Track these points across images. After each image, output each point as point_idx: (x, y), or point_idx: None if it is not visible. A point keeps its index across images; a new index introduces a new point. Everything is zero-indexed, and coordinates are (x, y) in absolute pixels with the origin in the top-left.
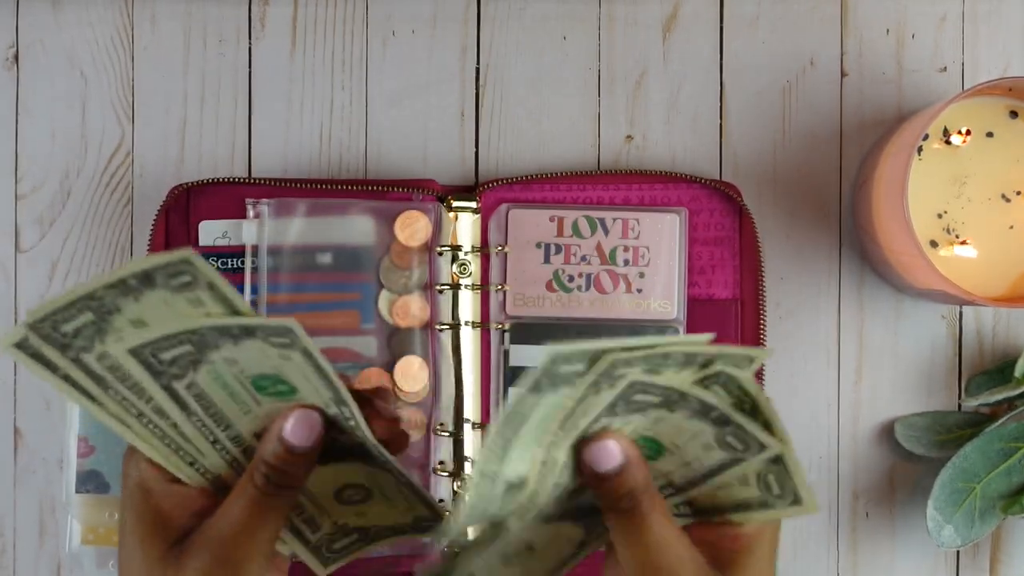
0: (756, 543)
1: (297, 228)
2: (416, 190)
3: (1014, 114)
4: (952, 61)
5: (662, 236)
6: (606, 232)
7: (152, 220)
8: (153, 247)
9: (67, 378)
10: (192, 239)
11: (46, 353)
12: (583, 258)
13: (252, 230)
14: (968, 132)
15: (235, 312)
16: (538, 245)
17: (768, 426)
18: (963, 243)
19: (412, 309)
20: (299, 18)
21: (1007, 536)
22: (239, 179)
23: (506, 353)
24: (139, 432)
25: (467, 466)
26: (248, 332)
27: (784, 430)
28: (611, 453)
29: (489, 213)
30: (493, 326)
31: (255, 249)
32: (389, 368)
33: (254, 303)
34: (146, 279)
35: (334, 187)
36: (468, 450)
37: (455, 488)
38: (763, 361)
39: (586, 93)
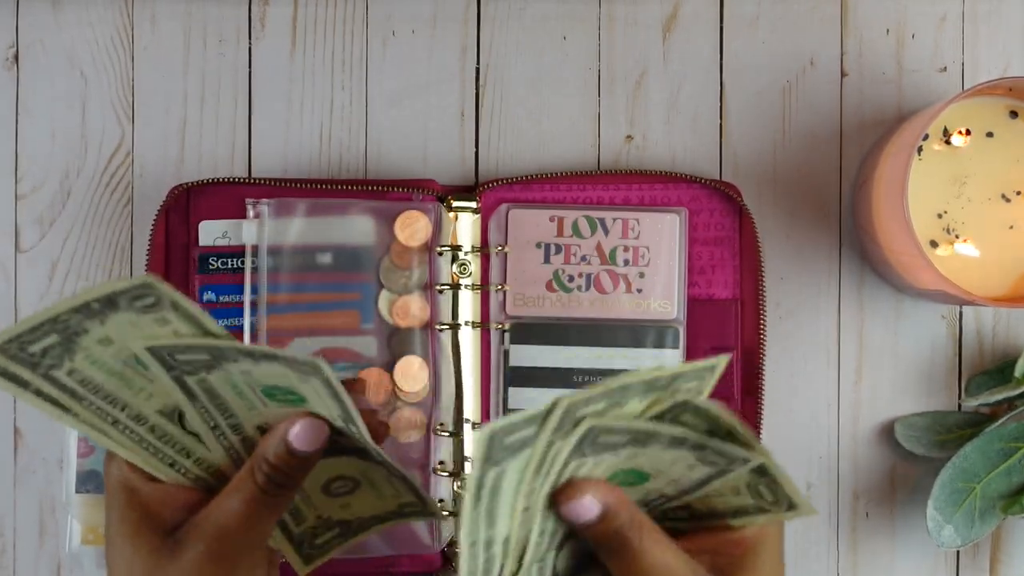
0: (759, 547)
1: (297, 228)
2: (416, 190)
3: (1014, 114)
4: (952, 61)
5: (662, 236)
6: (606, 232)
7: (152, 220)
8: (153, 247)
9: (39, 392)
10: (192, 239)
11: (15, 371)
12: (583, 258)
13: (252, 230)
14: (968, 132)
15: (203, 330)
16: (538, 245)
17: (745, 443)
18: (964, 242)
19: (412, 309)
20: (299, 18)
21: (1007, 536)
22: (239, 179)
23: (506, 353)
24: (116, 438)
25: (467, 466)
26: (272, 358)
27: (761, 444)
28: (587, 507)
29: (489, 213)
30: (493, 326)
31: (255, 249)
32: (389, 368)
33: (254, 303)
34: (109, 303)
35: (334, 187)
36: (468, 450)
37: (455, 488)
38: (723, 369)
39: (586, 93)
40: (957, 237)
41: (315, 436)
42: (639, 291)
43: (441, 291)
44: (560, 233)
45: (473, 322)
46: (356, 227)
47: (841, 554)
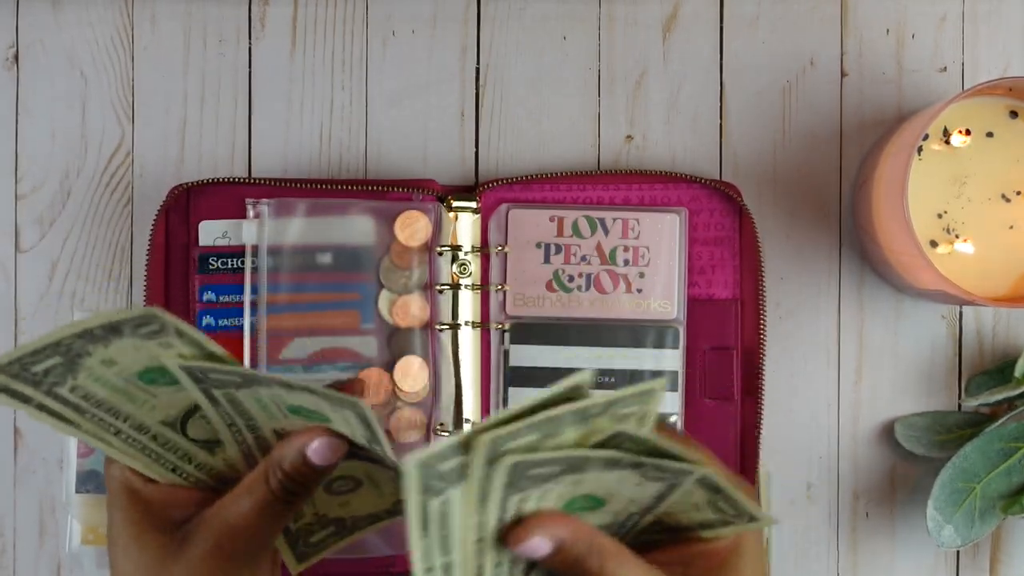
0: (735, 557)
1: (297, 228)
2: (416, 190)
3: (1014, 114)
4: (952, 61)
5: (662, 236)
6: (606, 232)
7: (152, 220)
8: (153, 247)
9: (41, 406)
10: (192, 239)
11: (17, 388)
12: (583, 258)
13: (252, 230)
14: (968, 132)
15: (208, 354)
16: (538, 245)
17: (683, 460)
18: (964, 242)
19: (412, 309)
20: (299, 18)
21: (1007, 536)
22: (239, 179)
23: (506, 353)
24: (118, 446)
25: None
26: (310, 391)
27: (703, 461)
28: (537, 546)
29: (489, 213)
30: (493, 326)
31: (255, 249)
32: (389, 368)
33: (254, 303)
34: (112, 330)
35: (334, 187)
36: None
37: None
38: (662, 396)
39: (586, 93)
40: (957, 237)
41: (333, 453)
42: (639, 291)
43: (441, 291)
44: (560, 233)
45: (473, 322)
46: (356, 227)
47: (841, 554)
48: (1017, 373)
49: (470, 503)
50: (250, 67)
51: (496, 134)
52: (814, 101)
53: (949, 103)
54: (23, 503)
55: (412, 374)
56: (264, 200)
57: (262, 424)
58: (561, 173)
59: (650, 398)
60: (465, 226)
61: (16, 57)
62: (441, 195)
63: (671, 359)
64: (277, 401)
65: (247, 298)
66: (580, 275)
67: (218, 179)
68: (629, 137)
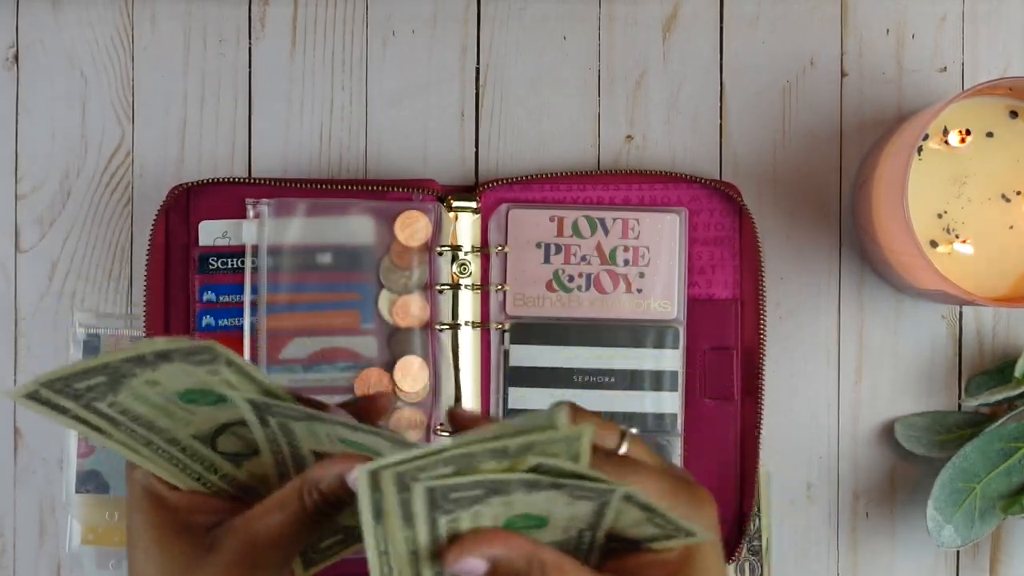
0: (686, 567)
1: (297, 228)
2: (416, 190)
3: (1014, 114)
4: (952, 61)
5: (662, 236)
6: (606, 232)
7: (152, 220)
8: (153, 247)
9: (77, 417)
10: (192, 239)
11: (57, 401)
12: (583, 258)
13: (252, 230)
14: (968, 132)
15: (261, 387)
16: (538, 245)
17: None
18: (964, 242)
19: (412, 309)
20: (299, 18)
21: (1007, 536)
22: (239, 179)
23: (506, 353)
24: (147, 456)
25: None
26: (373, 433)
27: (621, 483)
28: (472, 567)
29: (489, 213)
30: (493, 326)
31: (255, 249)
32: (389, 368)
33: (254, 303)
34: (163, 357)
35: (334, 187)
36: None
37: None
38: (590, 438)
39: (586, 93)
40: (957, 237)
41: None
42: (639, 291)
43: (441, 291)
44: (560, 233)
45: (473, 322)
46: (356, 227)
47: (841, 554)
48: (1017, 373)
49: (394, 521)
50: (250, 67)
51: (496, 134)
52: (814, 101)
53: (949, 103)
54: (23, 503)
55: (412, 374)
56: (264, 200)
57: (304, 445)
58: (561, 173)
59: (579, 443)
60: (465, 226)
61: (16, 57)
62: (441, 195)
63: (671, 359)
64: (331, 435)
65: (247, 298)
66: (580, 275)
67: (218, 179)
68: (629, 137)
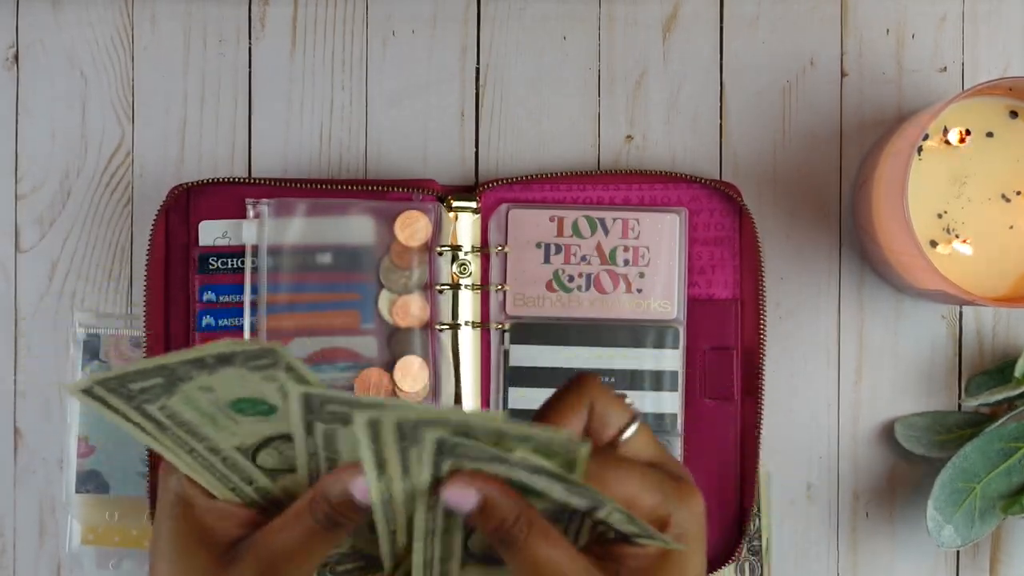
0: (662, 561)
1: (297, 228)
2: (416, 190)
3: (1014, 114)
4: (952, 61)
5: (662, 236)
6: (606, 232)
7: (152, 220)
8: (153, 247)
9: (126, 417)
10: (192, 239)
11: (110, 400)
12: (583, 258)
13: (252, 230)
14: (968, 132)
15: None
16: (538, 245)
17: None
18: (964, 242)
19: (412, 309)
20: (299, 18)
21: (1007, 536)
22: (239, 179)
23: (506, 353)
24: (188, 462)
25: None
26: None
27: (605, 496)
28: (463, 496)
29: (489, 213)
30: (493, 326)
31: (255, 249)
32: (389, 368)
33: (254, 303)
34: (225, 360)
35: (334, 187)
36: None
37: None
38: (587, 455)
39: (586, 93)
40: (957, 237)
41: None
42: (639, 291)
43: (441, 291)
44: (560, 233)
45: (473, 322)
46: (356, 227)
47: (841, 554)
48: (1017, 373)
49: (393, 457)
50: (250, 67)
51: (496, 134)
52: (814, 101)
53: (949, 103)
54: (23, 503)
55: (412, 374)
56: (264, 200)
57: (346, 457)
58: (561, 173)
59: (573, 453)
60: (465, 226)
61: (16, 57)
62: (441, 195)
63: (671, 359)
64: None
65: (247, 298)
66: (580, 275)
67: (218, 179)
68: (629, 137)
